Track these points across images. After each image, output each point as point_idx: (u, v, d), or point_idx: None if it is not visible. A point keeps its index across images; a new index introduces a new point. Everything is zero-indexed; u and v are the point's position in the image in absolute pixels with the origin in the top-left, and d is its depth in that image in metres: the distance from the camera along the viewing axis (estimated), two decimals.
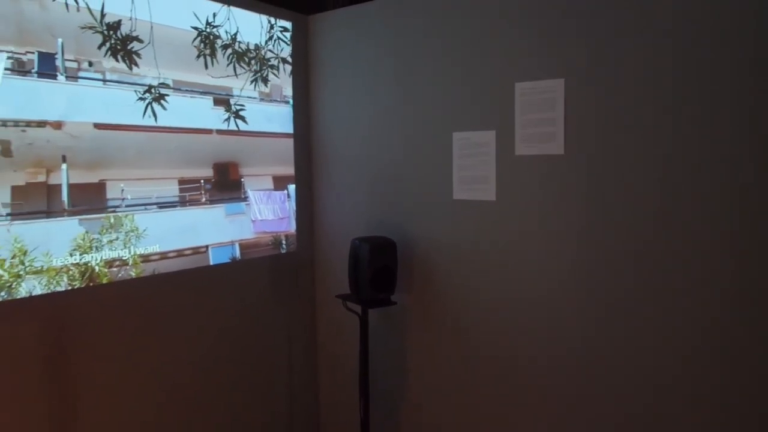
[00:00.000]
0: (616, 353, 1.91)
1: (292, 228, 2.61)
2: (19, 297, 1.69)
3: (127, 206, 1.96)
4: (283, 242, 2.57)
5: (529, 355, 2.11)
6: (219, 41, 2.26)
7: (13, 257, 1.68)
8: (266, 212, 2.46)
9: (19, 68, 1.69)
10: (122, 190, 1.95)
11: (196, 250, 2.19)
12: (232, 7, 2.30)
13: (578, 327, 1.98)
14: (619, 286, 1.89)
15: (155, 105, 2.04)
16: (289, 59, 2.57)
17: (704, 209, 1.73)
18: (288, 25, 2.55)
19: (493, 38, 2.12)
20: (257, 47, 2.42)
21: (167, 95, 2.08)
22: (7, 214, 1.66)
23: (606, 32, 1.87)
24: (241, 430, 2.39)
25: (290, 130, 2.58)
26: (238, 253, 2.35)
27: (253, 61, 2.40)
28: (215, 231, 2.26)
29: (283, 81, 2.55)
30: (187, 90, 2.15)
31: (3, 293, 1.65)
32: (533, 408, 2.11)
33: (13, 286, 1.68)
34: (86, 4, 1.83)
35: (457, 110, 2.22)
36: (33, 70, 1.72)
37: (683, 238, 1.77)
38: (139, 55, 1.99)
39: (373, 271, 2.22)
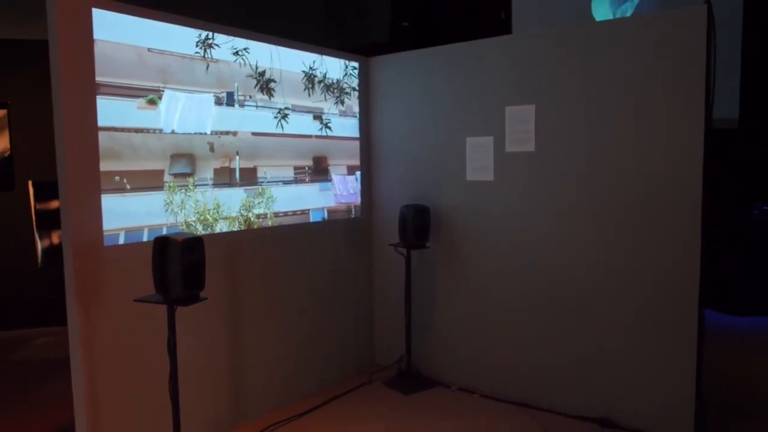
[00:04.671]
0: (574, 276, 3.13)
1: (358, 201, 3.86)
2: (216, 232, 2.96)
3: (267, 182, 3.23)
4: (353, 210, 3.82)
5: (516, 279, 3.33)
6: (316, 78, 3.52)
7: (214, 208, 2.95)
8: (343, 189, 3.72)
9: (217, 102, 2.96)
10: (265, 172, 3.22)
11: (303, 212, 3.46)
12: (324, 56, 3.55)
13: (546, 256, 3.21)
14: (572, 229, 3.11)
15: (282, 121, 3.30)
16: (357, 88, 3.82)
17: (615, 181, 2.95)
18: (356, 65, 3.80)
19: (492, 79, 3.34)
20: (338, 81, 3.67)
21: (288, 114, 3.34)
22: (212, 184, 2.94)
23: (558, 78, 3.09)
24: (326, 330, 3.63)
25: (357, 135, 3.84)
26: (326, 215, 3.61)
27: (335, 90, 3.65)
28: (313, 200, 3.52)
29: (353, 102, 3.80)
30: (298, 110, 3.41)
31: (209, 229, 2.93)
32: (519, 314, 3.33)
33: (213, 226, 2.95)
34: (248, 62, 3.10)
35: (469, 123, 3.45)
36: (224, 102, 2.99)
37: (599, 190, 2.99)
38: (274, 90, 3.25)
39: (415, 226, 3.46)
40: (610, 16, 6.13)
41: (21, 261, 4.85)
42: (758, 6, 5.84)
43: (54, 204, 4.97)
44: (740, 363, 4.01)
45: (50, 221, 4.94)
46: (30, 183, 4.84)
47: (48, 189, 4.90)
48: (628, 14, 6.10)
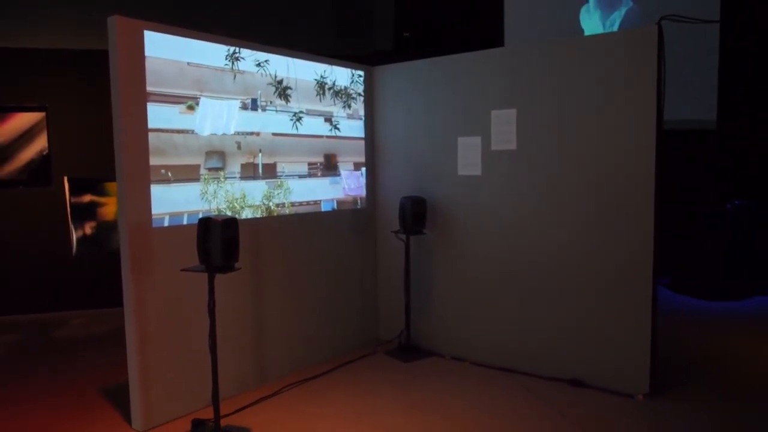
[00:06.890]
0: (548, 258, 3.62)
1: (364, 193, 4.36)
2: (243, 218, 3.46)
3: (285, 176, 3.73)
4: (359, 201, 4.32)
5: (499, 261, 3.81)
6: (326, 85, 4.01)
7: (240, 198, 3.45)
8: (350, 183, 4.22)
9: (243, 107, 3.46)
10: (283, 167, 3.72)
11: (315, 202, 3.96)
12: (333, 66, 4.05)
13: (525, 240, 3.70)
14: (547, 216, 3.60)
15: (297, 123, 3.80)
16: (362, 93, 4.32)
17: (583, 175, 3.44)
18: (362, 73, 4.30)
19: (480, 86, 3.83)
20: (346, 87, 4.17)
21: (302, 117, 3.84)
22: (239, 177, 3.44)
23: (537, 86, 3.58)
24: (335, 307, 4.13)
25: (363, 135, 4.33)
26: (335, 206, 4.11)
27: (343, 96, 4.15)
28: (324, 192, 4.02)
29: (359, 106, 4.29)
30: (311, 114, 3.91)
31: (236, 215, 3.42)
32: (503, 292, 3.82)
33: (240, 213, 3.45)
34: (269, 72, 3.60)
35: (460, 125, 3.94)
36: (249, 107, 3.49)
37: (571, 183, 3.48)
38: (290, 96, 3.75)
39: (413, 215, 3.95)
40: (600, 27, 6.62)
41: (57, 250, 5.37)
42: (735, 13, 6.31)
43: (87, 198, 5.49)
44: (699, 338, 4.49)
45: (83, 213, 5.46)
46: (65, 179, 5.35)
47: (82, 184, 5.42)
48: (616, 24, 6.60)
